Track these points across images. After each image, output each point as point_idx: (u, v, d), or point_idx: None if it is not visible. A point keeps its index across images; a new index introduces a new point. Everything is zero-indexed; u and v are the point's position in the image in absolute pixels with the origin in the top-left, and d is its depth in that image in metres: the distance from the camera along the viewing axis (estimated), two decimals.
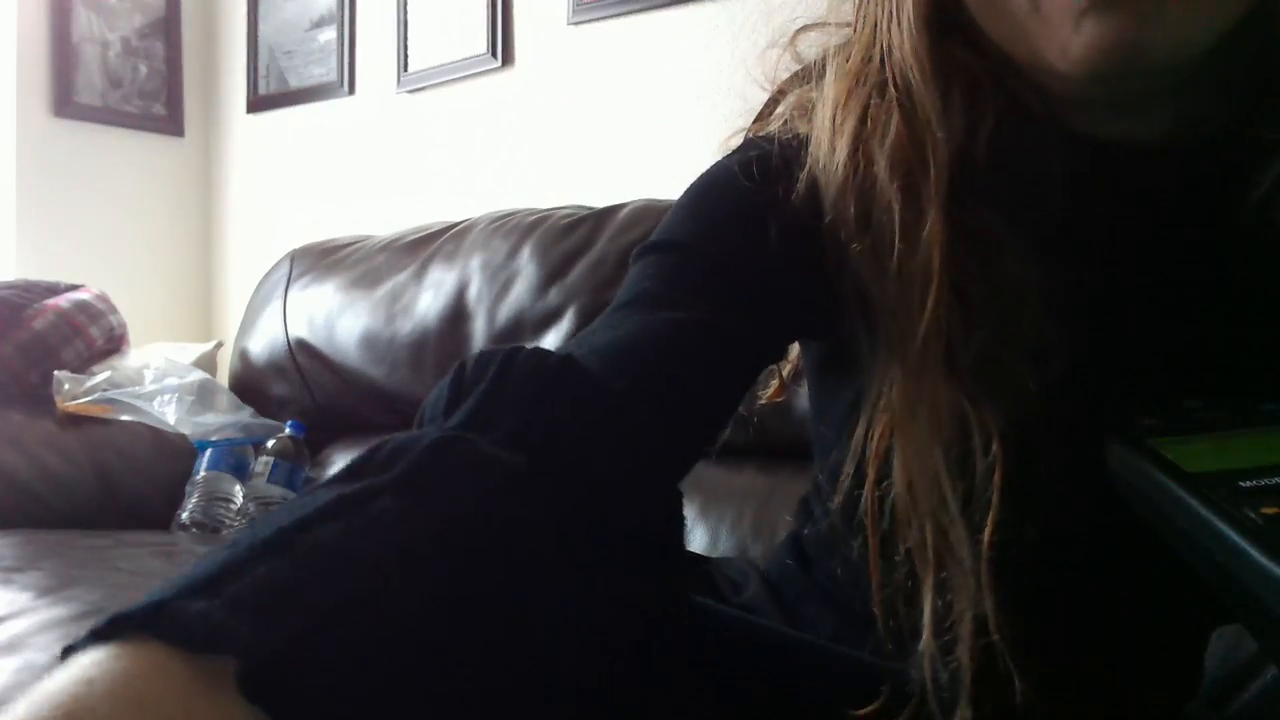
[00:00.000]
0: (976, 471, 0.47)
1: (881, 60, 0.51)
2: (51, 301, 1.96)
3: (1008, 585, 0.46)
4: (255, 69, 2.61)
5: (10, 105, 2.44)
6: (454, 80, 2.17)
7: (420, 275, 1.74)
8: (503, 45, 2.07)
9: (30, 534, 1.51)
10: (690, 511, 1.30)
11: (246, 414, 1.92)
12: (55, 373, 1.85)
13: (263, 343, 1.99)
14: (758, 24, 1.69)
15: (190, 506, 1.70)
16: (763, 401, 0.72)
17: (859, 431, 0.51)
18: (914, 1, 0.50)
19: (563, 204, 1.70)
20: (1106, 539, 0.52)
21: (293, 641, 0.31)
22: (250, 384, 2.01)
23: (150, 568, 1.35)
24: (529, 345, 0.44)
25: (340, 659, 0.32)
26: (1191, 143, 0.51)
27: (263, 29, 2.59)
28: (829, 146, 0.51)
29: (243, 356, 2.04)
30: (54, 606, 1.13)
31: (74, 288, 2.04)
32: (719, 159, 0.58)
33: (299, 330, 1.91)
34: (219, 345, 2.23)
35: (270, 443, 1.75)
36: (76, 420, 1.79)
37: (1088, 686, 0.55)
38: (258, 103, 2.61)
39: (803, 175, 0.53)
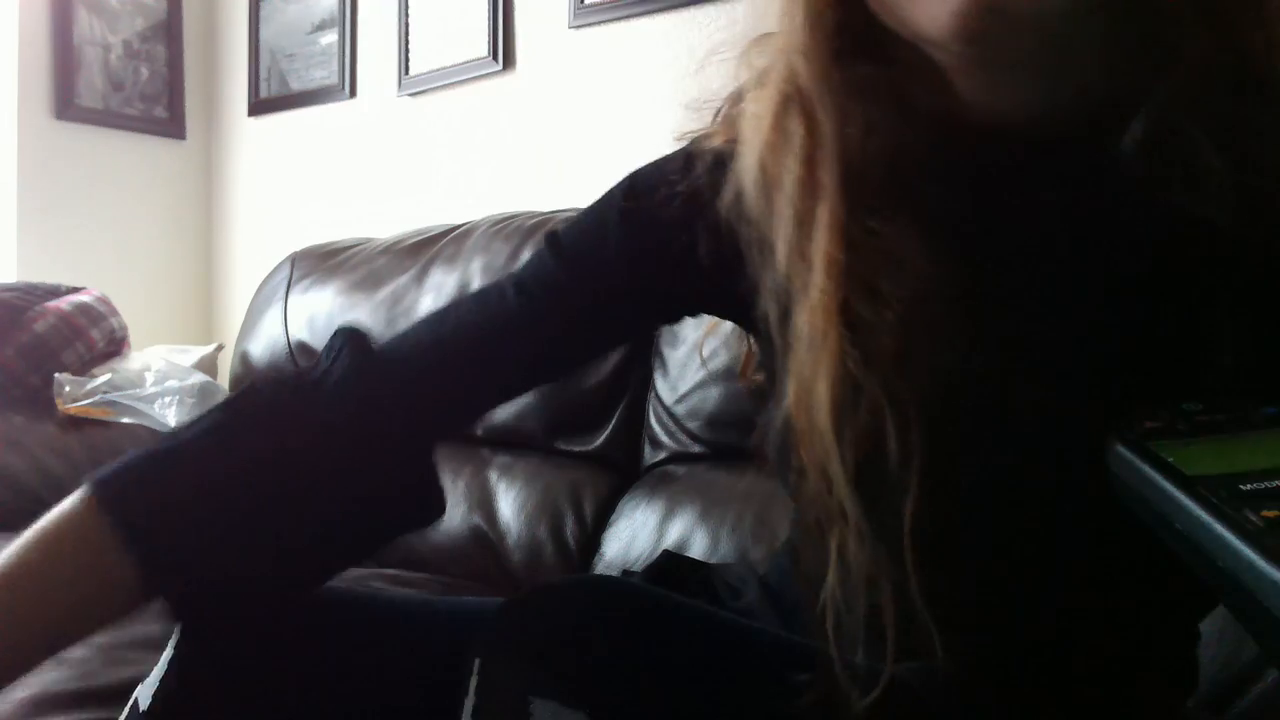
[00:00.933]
0: (891, 455, 0.50)
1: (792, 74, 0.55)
2: (53, 304, 1.96)
3: (922, 553, 0.50)
4: (256, 72, 2.61)
5: (12, 108, 2.44)
6: (455, 83, 2.18)
7: (421, 278, 1.74)
8: (504, 48, 2.07)
9: None
10: (691, 515, 1.30)
11: None
12: (56, 375, 1.85)
13: (263, 345, 1.99)
14: (757, 28, 1.69)
15: None
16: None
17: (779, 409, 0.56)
18: (810, 23, 0.53)
19: (563, 206, 1.70)
20: (1020, 518, 0.54)
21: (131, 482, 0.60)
22: None
23: None
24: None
25: (158, 495, 0.60)
26: (1079, 129, 0.51)
27: (264, 32, 2.59)
28: (747, 152, 0.56)
29: (243, 359, 2.04)
30: None
31: (75, 290, 2.04)
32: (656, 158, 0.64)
33: (300, 333, 1.91)
34: (220, 348, 2.23)
35: None
36: (77, 423, 1.79)
37: (1009, 651, 0.59)
38: (259, 106, 2.61)
39: (728, 177, 0.57)
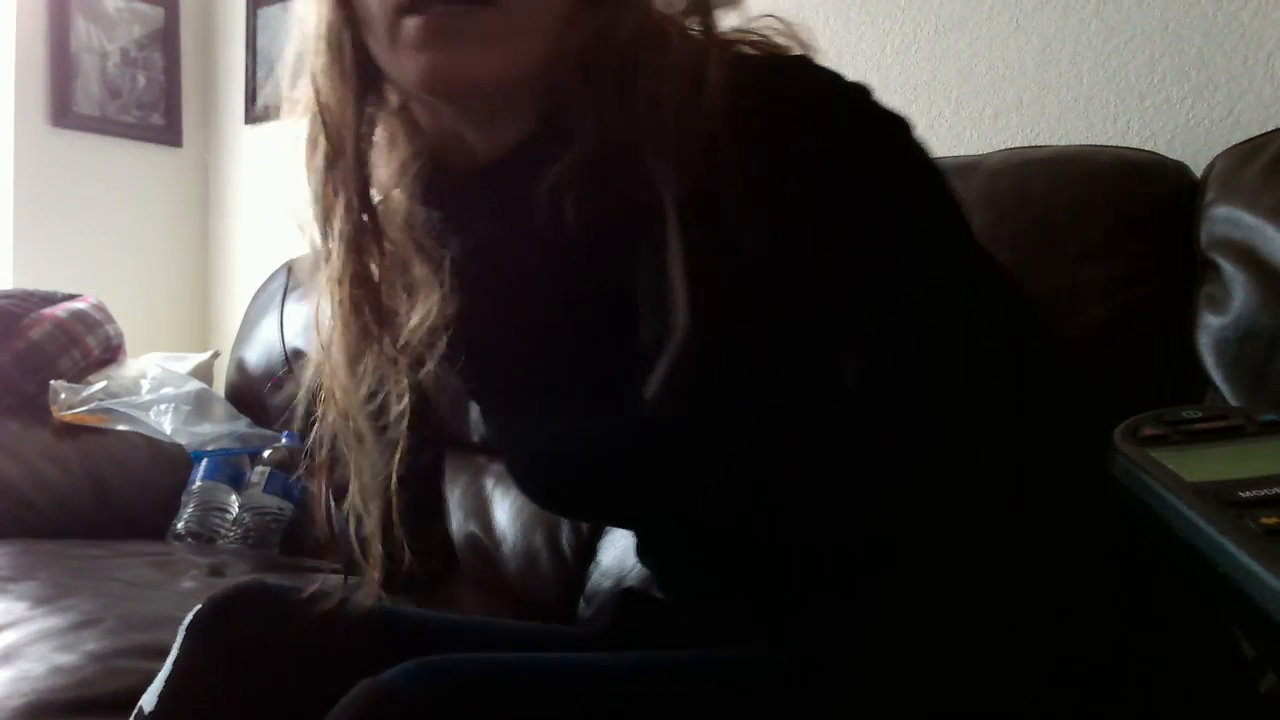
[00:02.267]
0: (392, 413, 0.67)
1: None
2: (49, 311, 1.96)
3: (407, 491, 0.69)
4: (254, 80, 2.61)
5: (8, 115, 2.44)
6: None
7: None
8: None
9: (26, 544, 1.50)
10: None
11: (243, 424, 1.92)
12: (52, 382, 1.84)
13: (259, 353, 1.99)
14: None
15: (186, 516, 1.69)
16: None
17: None
18: (333, 59, 0.64)
19: None
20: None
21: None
22: (247, 394, 2.01)
23: (146, 577, 1.35)
24: None
25: None
26: (519, 156, 0.62)
27: (262, 40, 2.59)
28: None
29: (239, 366, 2.04)
30: (50, 616, 1.13)
31: (71, 297, 2.04)
32: None
33: (296, 340, 1.91)
34: (216, 355, 2.23)
35: (266, 453, 1.74)
36: (73, 430, 1.78)
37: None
38: (257, 114, 2.61)
39: None
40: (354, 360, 0.66)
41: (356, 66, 0.63)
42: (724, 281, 0.57)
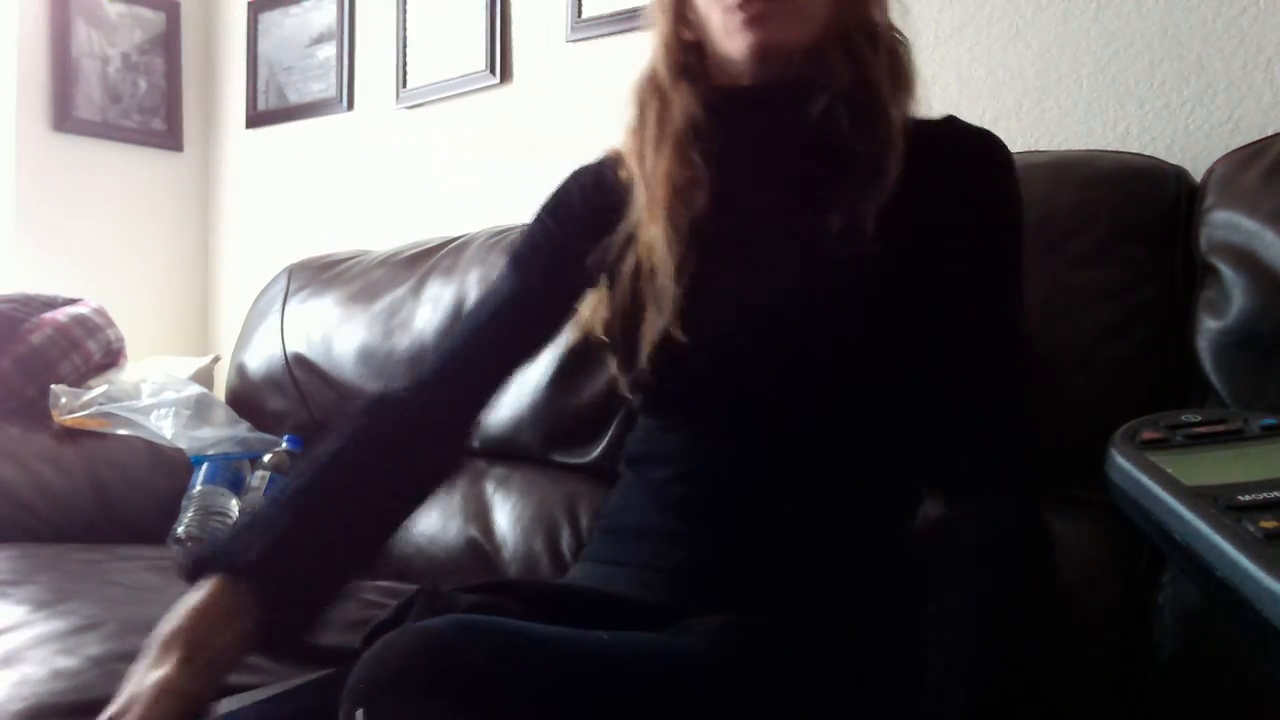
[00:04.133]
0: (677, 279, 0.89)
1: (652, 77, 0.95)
2: (49, 315, 1.96)
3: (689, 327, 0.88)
4: (254, 84, 2.62)
5: (10, 119, 2.45)
6: (452, 96, 2.18)
7: (418, 290, 1.74)
8: (501, 62, 2.08)
9: (26, 548, 1.50)
10: None
11: (243, 428, 1.92)
12: (52, 386, 1.84)
13: (260, 357, 1.99)
14: None
15: (186, 521, 1.69)
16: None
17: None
18: (666, 47, 0.93)
19: None
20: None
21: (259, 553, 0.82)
22: (247, 398, 2.01)
23: (146, 582, 1.35)
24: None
25: (287, 559, 0.83)
26: (791, 91, 0.90)
27: (262, 45, 2.60)
28: (622, 136, 0.98)
29: (240, 371, 2.04)
30: (50, 620, 1.13)
31: (72, 301, 2.04)
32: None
33: (296, 345, 1.91)
34: (216, 359, 2.23)
35: (267, 457, 1.74)
36: (73, 434, 1.78)
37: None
38: (257, 118, 2.62)
39: (603, 173, 1.02)
40: (668, 241, 0.91)
41: (683, 54, 0.94)
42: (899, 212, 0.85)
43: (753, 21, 0.85)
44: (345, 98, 2.41)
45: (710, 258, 0.90)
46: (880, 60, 0.89)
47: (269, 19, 2.58)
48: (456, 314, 1.66)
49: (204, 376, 2.14)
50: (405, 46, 2.26)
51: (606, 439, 1.48)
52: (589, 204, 1.01)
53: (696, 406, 0.92)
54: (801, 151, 0.92)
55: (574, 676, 0.67)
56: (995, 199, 0.90)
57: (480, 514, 1.55)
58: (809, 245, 0.87)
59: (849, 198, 0.86)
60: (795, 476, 0.88)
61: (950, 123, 0.94)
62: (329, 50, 2.44)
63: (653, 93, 0.94)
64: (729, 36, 0.88)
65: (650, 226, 0.91)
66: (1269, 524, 0.41)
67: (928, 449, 0.89)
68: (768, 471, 0.88)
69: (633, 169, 0.95)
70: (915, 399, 0.87)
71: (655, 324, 0.89)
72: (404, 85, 2.26)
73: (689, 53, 0.93)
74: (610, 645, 0.72)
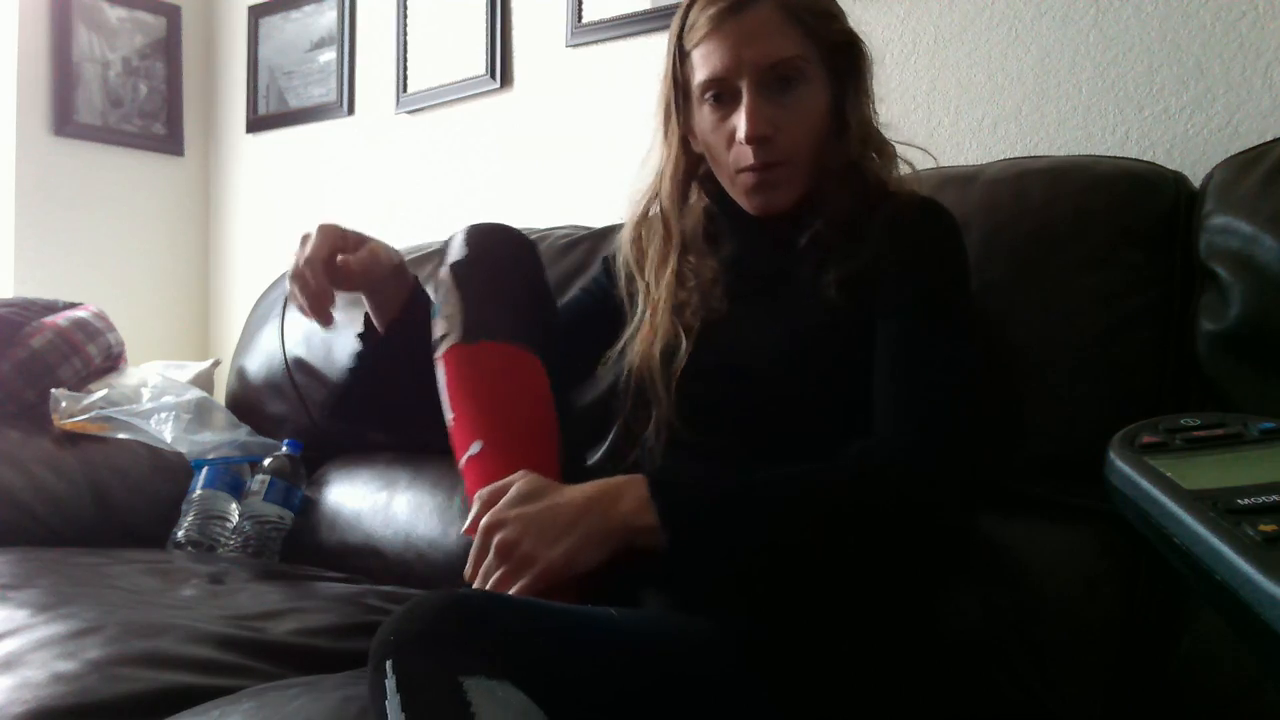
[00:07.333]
0: (679, 353, 1.05)
1: (656, 197, 1.12)
2: (50, 319, 1.96)
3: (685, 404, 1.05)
4: (255, 89, 2.62)
5: (10, 124, 2.45)
6: (453, 101, 2.19)
7: None
8: (501, 67, 2.09)
9: (26, 552, 1.50)
10: None
11: (243, 432, 1.92)
12: (52, 390, 1.84)
13: (260, 361, 1.99)
14: None
15: (186, 525, 1.69)
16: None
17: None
18: (673, 178, 1.10)
19: (561, 224, 1.71)
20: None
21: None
22: (247, 402, 2.01)
23: (145, 585, 1.35)
24: None
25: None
26: (805, 223, 1.05)
27: (263, 50, 2.60)
28: (626, 229, 1.16)
29: (240, 375, 2.04)
30: (50, 624, 1.13)
31: (72, 306, 2.04)
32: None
33: (296, 349, 1.91)
34: (216, 363, 2.23)
35: (267, 461, 1.75)
36: (73, 438, 1.78)
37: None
38: (257, 123, 2.62)
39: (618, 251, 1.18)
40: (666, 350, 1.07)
41: (687, 171, 1.11)
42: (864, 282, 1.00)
43: (756, 189, 1.03)
44: (346, 102, 2.41)
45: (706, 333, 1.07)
46: (865, 182, 1.04)
47: (270, 24, 2.58)
48: None
49: (204, 380, 2.14)
50: (406, 51, 2.26)
51: (608, 442, 1.48)
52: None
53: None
54: (789, 257, 1.06)
55: (590, 639, 0.77)
56: (925, 251, 1.03)
57: None
58: (790, 311, 1.04)
59: (826, 278, 1.01)
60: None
61: (901, 194, 1.05)
62: (329, 55, 2.45)
63: (654, 203, 1.12)
64: (734, 189, 1.06)
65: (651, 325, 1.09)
66: (1268, 528, 0.41)
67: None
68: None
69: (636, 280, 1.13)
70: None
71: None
72: (404, 90, 2.27)
73: (697, 163, 1.10)
74: (620, 618, 0.82)
